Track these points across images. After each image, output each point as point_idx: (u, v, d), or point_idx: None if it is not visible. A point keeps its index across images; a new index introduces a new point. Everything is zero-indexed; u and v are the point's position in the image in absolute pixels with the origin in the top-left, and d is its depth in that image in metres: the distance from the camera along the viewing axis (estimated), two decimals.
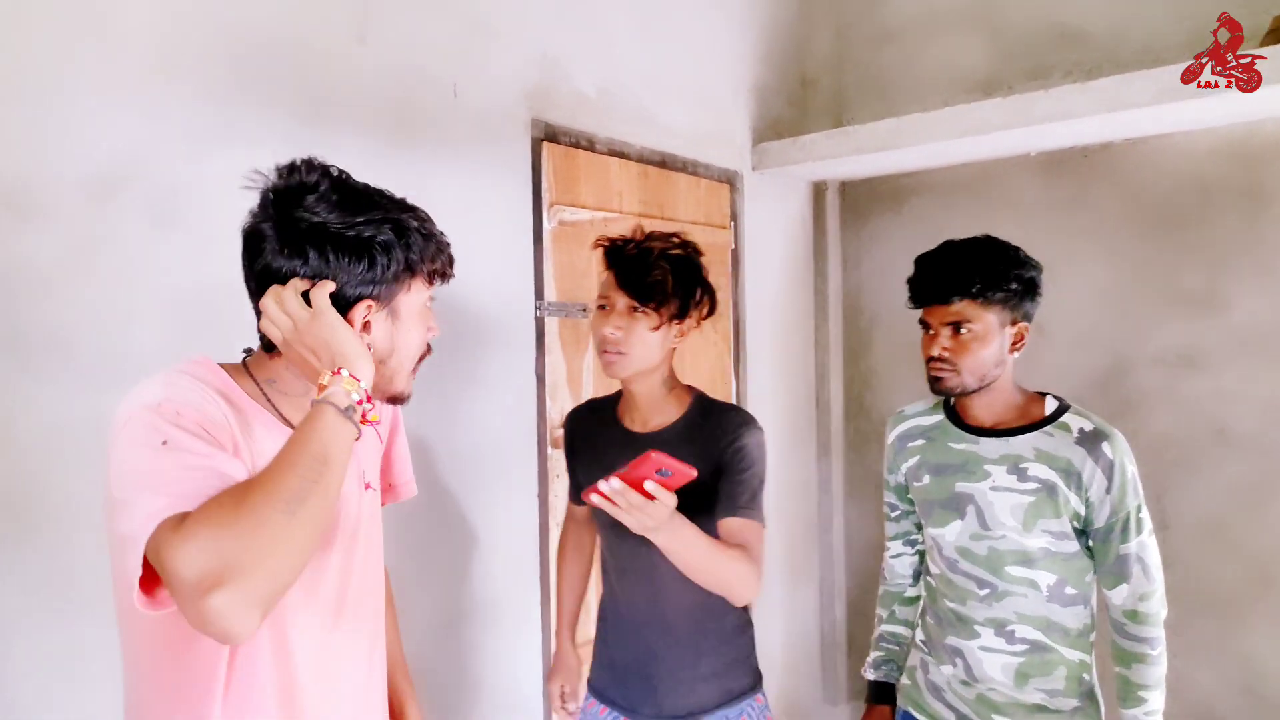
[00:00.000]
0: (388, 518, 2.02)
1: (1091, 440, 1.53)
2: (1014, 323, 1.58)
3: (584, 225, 2.48)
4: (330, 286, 1.02)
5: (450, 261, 1.16)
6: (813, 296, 3.49)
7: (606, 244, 1.62)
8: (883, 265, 3.39)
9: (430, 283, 1.14)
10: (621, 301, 1.55)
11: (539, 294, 2.34)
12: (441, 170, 2.09)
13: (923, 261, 1.63)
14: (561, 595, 1.95)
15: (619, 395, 1.72)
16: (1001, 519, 1.57)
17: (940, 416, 1.72)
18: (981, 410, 1.64)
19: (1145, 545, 1.53)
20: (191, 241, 1.66)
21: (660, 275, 1.54)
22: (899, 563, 1.87)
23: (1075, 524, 1.54)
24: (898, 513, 1.85)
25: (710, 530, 1.44)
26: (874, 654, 1.86)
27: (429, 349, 1.20)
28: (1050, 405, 1.61)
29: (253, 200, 1.07)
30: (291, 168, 1.05)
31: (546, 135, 2.35)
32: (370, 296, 1.06)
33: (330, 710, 1.11)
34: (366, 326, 1.07)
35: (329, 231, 1.02)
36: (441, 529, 2.13)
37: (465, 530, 2.18)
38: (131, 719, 1.04)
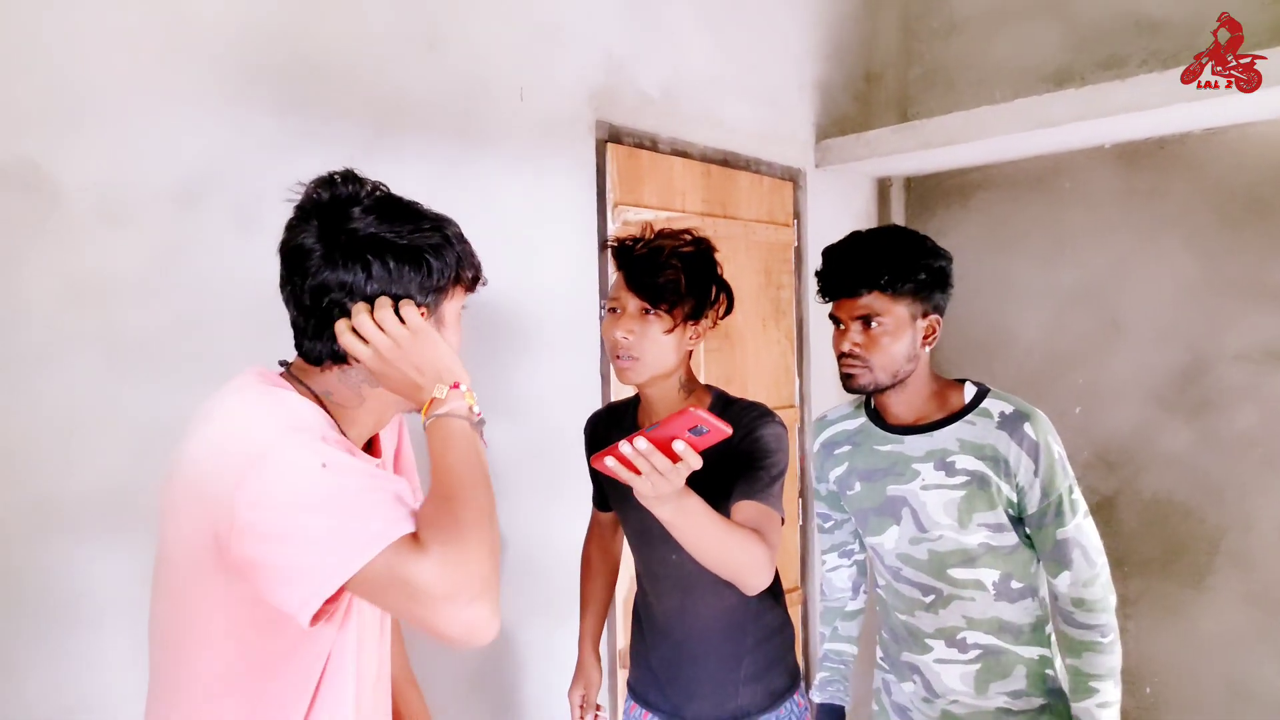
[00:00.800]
0: None
1: (1013, 423, 1.46)
2: (925, 315, 1.51)
3: (647, 225, 2.49)
4: (415, 308, 1.03)
5: (481, 268, 1.15)
6: None
7: (615, 244, 1.55)
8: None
9: (468, 290, 1.13)
10: (633, 304, 1.48)
11: (604, 293, 2.36)
12: (508, 173, 2.13)
13: (829, 254, 1.56)
14: (585, 605, 1.89)
15: (639, 399, 1.65)
16: (936, 518, 1.51)
17: (863, 419, 1.65)
18: (901, 407, 1.58)
19: (1082, 528, 1.45)
20: (272, 246, 1.71)
21: (672, 275, 1.46)
22: (836, 576, 1.80)
23: (1010, 512, 1.48)
24: (831, 523, 1.77)
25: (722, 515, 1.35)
26: (819, 674, 1.77)
27: None
28: (969, 392, 1.54)
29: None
30: (331, 180, 1.05)
31: (610, 136, 2.37)
32: (423, 304, 1.05)
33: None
34: None
35: (384, 240, 1.01)
36: (503, 530, 2.16)
37: (530, 529, 2.22)
38: None
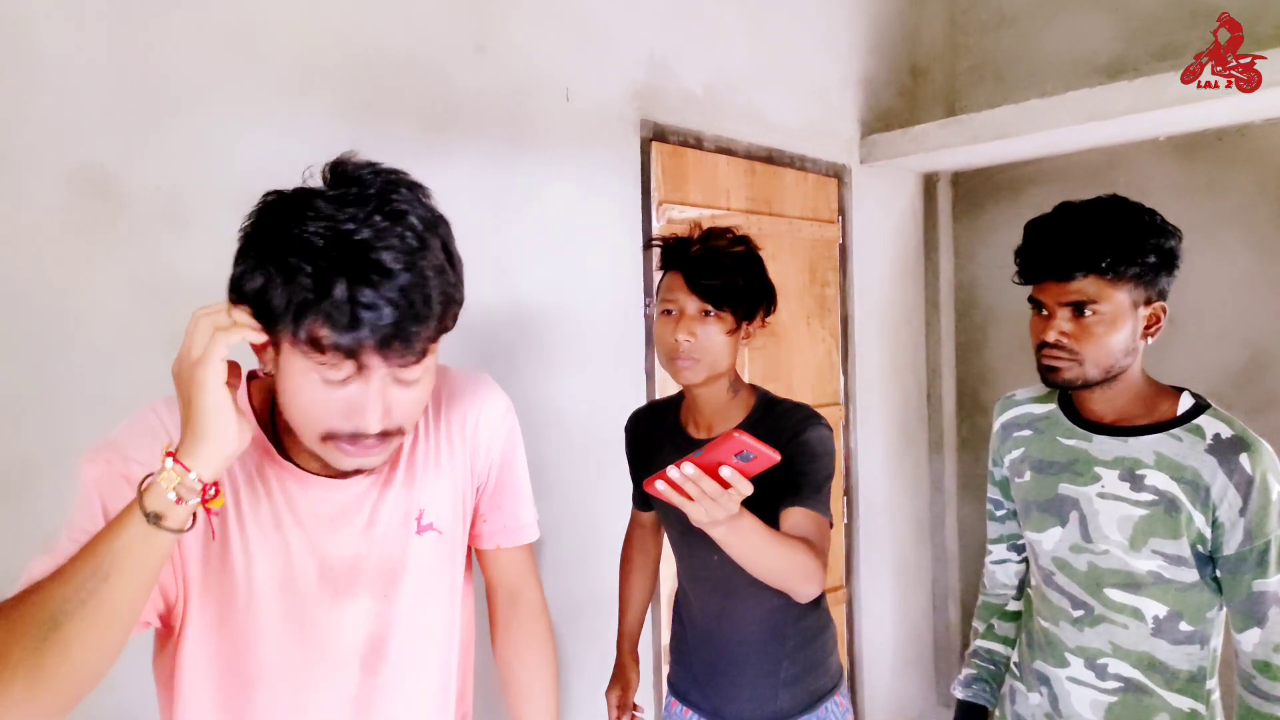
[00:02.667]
0: None
1: (1228, 449, 1.24)
2: (1149, 302, 1.29)
3: (692, 223, 2.50)
4: (252, 336, 0.84)
5: (401, 322, 0.81)
6: (923, 291, 3.41)
7: (662, 243, 1.52)
8: (999, 257, 3.28)
9: (315, 350, 0.82)
10: (692, 305, 1.45)
11: (649, 292, 2.38)
12: (554, 172, 2.15)
13: (1035, 228, 1.35)
14: (623, 606, 1.87)
15: (681, 397, 1.64)
16: (1106, 531, 1.32)
17: (1053, 406, 1.46)
18: (1101, 404, 1.37)
19: None
20: None
21: (732, 276, 1.45)
22: (1001, 570, 1.61)
23: (1200, 548, 1.26)
24: (1002, 511, 1.58)
25: (771, 522, 1.36)
26: (965, 671, 1.61)
27: (361, 435, 0.88)
28: (1185, 403, 1.32)
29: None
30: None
31: (655, 135, 2.38)
32: (273, 331, 0.85)
33: None
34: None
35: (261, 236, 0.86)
36: (552, 525, 2.19)
37: (576, 527, 2.24)
38: None
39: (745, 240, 1.51)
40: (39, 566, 0.81)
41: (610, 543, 2.31)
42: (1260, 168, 2.64)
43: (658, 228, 2.39)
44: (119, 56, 1.51)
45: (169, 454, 0.80)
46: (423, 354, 0.86)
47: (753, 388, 1.59)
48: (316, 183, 0.89)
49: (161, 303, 1.55)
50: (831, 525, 1.43)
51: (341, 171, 0.89)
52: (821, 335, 2.94)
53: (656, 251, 1.56)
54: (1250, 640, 1.25)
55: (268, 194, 0.89)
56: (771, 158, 2.75)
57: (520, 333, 2.10)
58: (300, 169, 1.79)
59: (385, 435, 0.88)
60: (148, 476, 0.80)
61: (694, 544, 1.53)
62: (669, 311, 1.48)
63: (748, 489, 1.10)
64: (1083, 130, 2.64)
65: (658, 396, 2.40)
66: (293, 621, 0.97)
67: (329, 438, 0.87)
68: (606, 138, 2.28)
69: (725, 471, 1.08)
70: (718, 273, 1.44)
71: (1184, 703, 1.31)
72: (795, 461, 1.43)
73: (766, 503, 1.38)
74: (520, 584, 1.26)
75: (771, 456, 1.08)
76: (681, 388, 1.58)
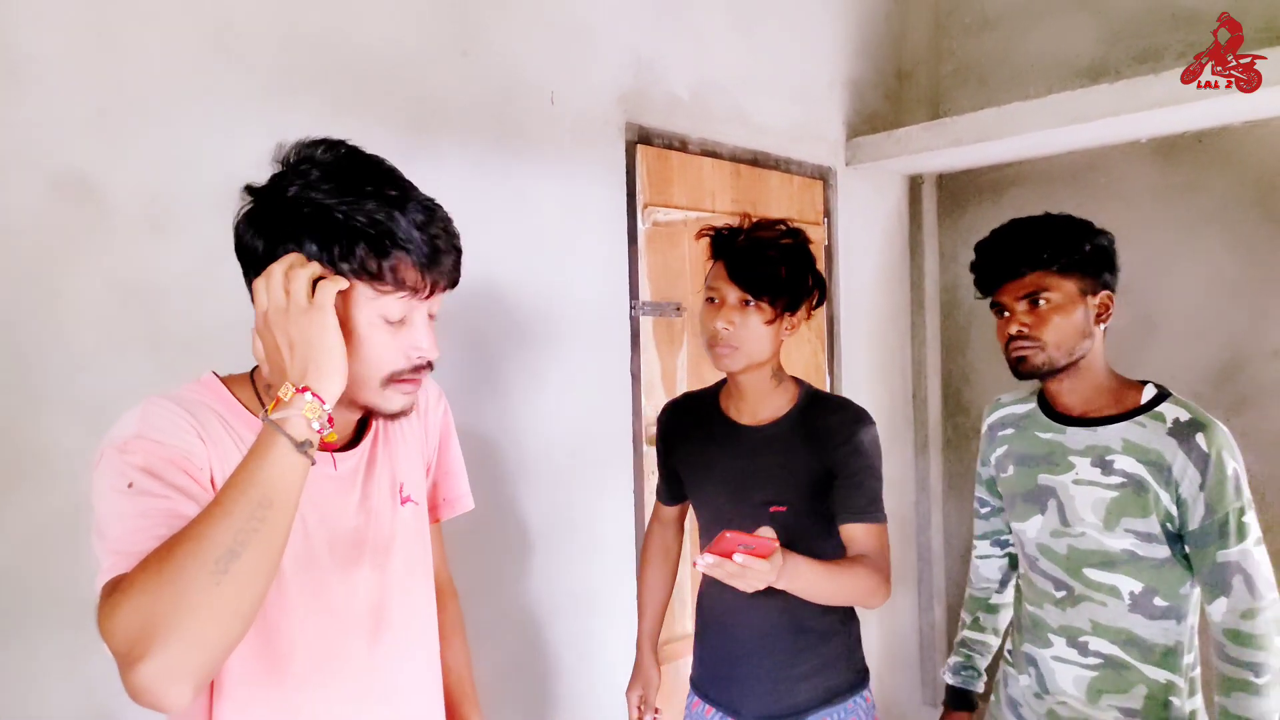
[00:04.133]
0: (483, 517, 2.10)
1: (1185, 431, 1.36)
2: (1095, 291, 1.45)
3: (677, 225, 2.51)
4: (342, 284, 0.91)
5: (437, 251, 0.97)
6: (908, 291, 3.43)
7: (712, 233, 1.57)
8: None
9: (416, 293, 0.97)
10: (733, 295, 1.49)
11: (634, 294, 2.38)
12: (540, 175, 2.15)
13: (984, 245, 1.53)
14: (643, 603, 1.87)
15: (719, 387, 1.69)
16: (1082, 514, 1.44)
17: (1032, 405, 1.59)
18: (1070, 396, 1.50)
19: (1250, 555, 1.33)
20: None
21: (774, 267, 1.48)
22: (985, 565, 1.73)
23: (1169, 526, 1.38)
24: (988, 509, 1.72)
25: (827, 532, 1.48)
26: (953, 659, 1.74)
27: (421, 367, 1.02)
28: (1148, 393, 1.45)
29: None
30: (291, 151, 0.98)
31: (640, 138, 2.39)
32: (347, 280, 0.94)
33: None
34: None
35: (315, 209, 0.92)
36: (538, 526, 2.19)
37: (561, 527, 2.24)
38: None
39: (796, 234, 1.55)
40: (105, 563, 0.84)
41: (594, 543, 2.32)
42: (1239, 169, 2.66)
43: (642, 230, 2.40)
44: (100, 60, 1.50)
45: (302, 389, 0.86)
46: (455, 282, 1.02)
47: (794, 378, 1.63)
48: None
49: (141, 306, 1.55)
50: (887, 526, 1.51)
51: (352, 151, 0.99)
52: (807, 336, 2.96)
53: (703, 242, 1.59)
54: (1219, 610, 1.35)
55: (294, 168, 0.97)
56: (757, 160, 2.76)
57: (505, 335, 2.10)
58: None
59: (430, 367, 1.03)
60: (277, 405, 0.86)
61: (725, 527, 1.56)
62: (712, 300, 1.53)
63: (764, 566, 1.18)
64: (1064, 132, 2.67)
65: (643, 399, 2.41)
66: (313, 596, 1.01)
67: (391, 379, 0.99)
68: (591, 141, 2.28)
69: (738, 558, 1.17)
70: (758, 264, 1.48)
71: (1160, 675, 1.42)
72: (850, 469, 1.48)
73: (823, 508, 1.49)
74: (441, 563, 1.35)
75: (769, 546, 1.19)
76: (724, 375, 1.62)
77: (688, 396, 1.80)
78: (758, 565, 1.18)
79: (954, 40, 3.33)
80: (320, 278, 0.91)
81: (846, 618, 1.64)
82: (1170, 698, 1.42)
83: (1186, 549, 1.39)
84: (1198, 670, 1.45)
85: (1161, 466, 1.37)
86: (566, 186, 2.22)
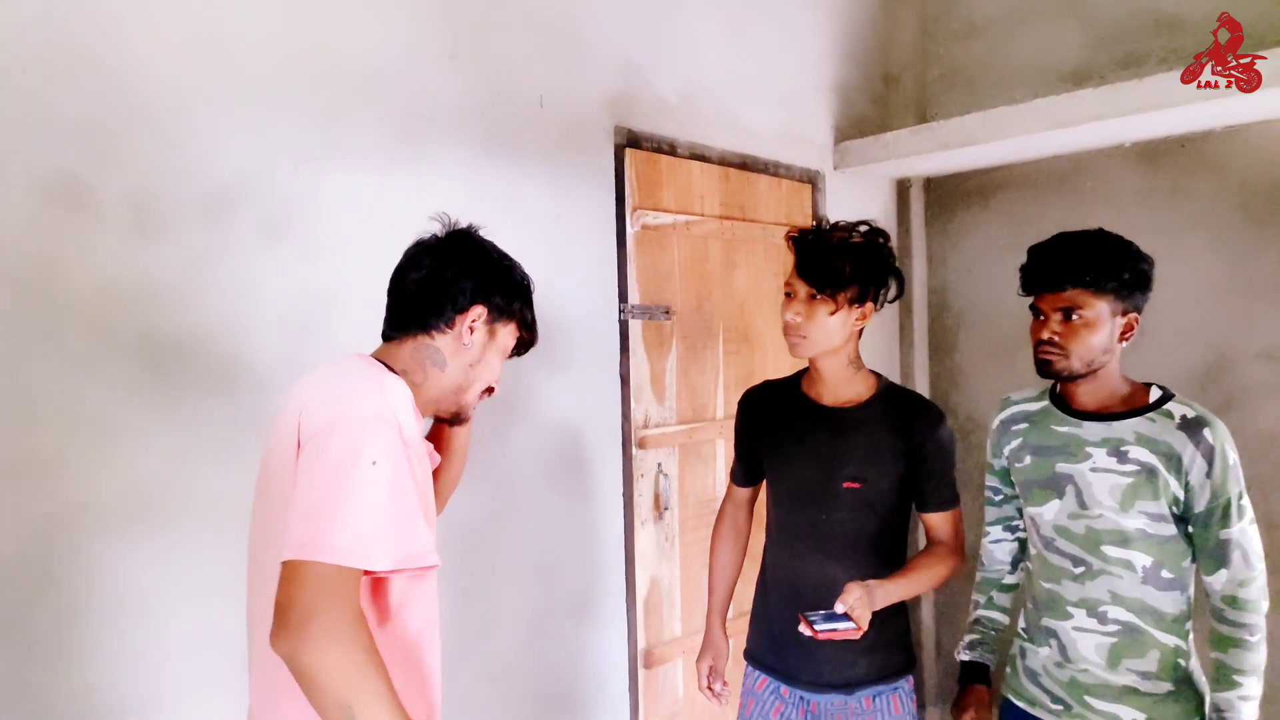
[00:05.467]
0: (473, 521, 2.10)
1: (1194, 426, 1.55)
2: (1124, 313, 1.61)
3: (666, 229, 2.52)
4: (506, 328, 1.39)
5: (533, 321, 1.42)
6: None
7: (795, 234, 1.73)
8: (970, 262, 3.33)
9: (518, 329, 1.38)
10: (802, 289, 1.67)
11: (623, 297, 2.39)
12: (529, 179, 2.16)
13: (1036, 251, 1.67)
14: (714, 579, 1.99)
15: (799, 375, 1.85)
16: (1100, 498, 1.60)
17: (1045, 402, 1.75)
18: (1086, 396, 1.67)
19: (1246, 532, 1.54)
20: (301, 253, 1.76)
21: (838, 264, 1.64)
22: (998, 549, 1.88)
23: (1174, 509, 1.56)
24: (1000, 497, 1.87)
25: (898, 505, 1.73)
26: (968, 636, 1.87)
27: (490, 390, 1.39)
28: (1155, 394, 1.64)
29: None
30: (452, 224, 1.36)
31: (629, 141, 2.40)
32: (487, 308, 1.32)
33: None
34: (472, 329, 1.30)
35: (482, 257, 1.36)
36: (528, 528, 2.20)
37: (551, 529, 2.25)
38: None
39: (873, 233, 1.72)
40: (343, 539, 1.01)
41: (585, 544, 2.32)
42: (1222, 173, 2.69)
43: (631, 233, 2.41)
44: (91, 64, 1.51)
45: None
46: None
47: (873, 373, 1.80)
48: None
49: (130, 310, 1.55)
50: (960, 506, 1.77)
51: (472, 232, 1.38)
52: None
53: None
54: (1219, 580, 1.55)
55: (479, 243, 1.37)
56: (746, 164, 2.77)
57: None
58: (273, 176, 1.81)
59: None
60: None
61: (805, 501, 1.75)
62: (788, 294, 1.71)
63: (857, 623, 1.51)
64: (1049, 137, 2.69)
65: (633, 402, 2.42)
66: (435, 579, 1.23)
67: (486, 391, 1.37)
68: (581, 144, 2.29)
69: (824, 632, 1.52)
70: (823, 261, 1.64)
71: (1170, 640, 1.60)
72: (932, 462, 1.71)
73: (896, 489, 1.72)
74: None
75: (850, 627, 1.52)
76: (804, 363, 1.80)
77: (767, 383, 1.94)
78: (849, 629, 1.50)
79: (941, 45, 3.36)
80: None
81: (901, 605, 1.76)
82: (1178, 660, 1.61)
83: (1190, 529, 1.58)
84: (1193, 635, 1.64)
85: (1172, 456, 1.54)
86: (556, 190, 2.23)
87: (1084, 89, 2.60)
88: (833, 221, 1.74)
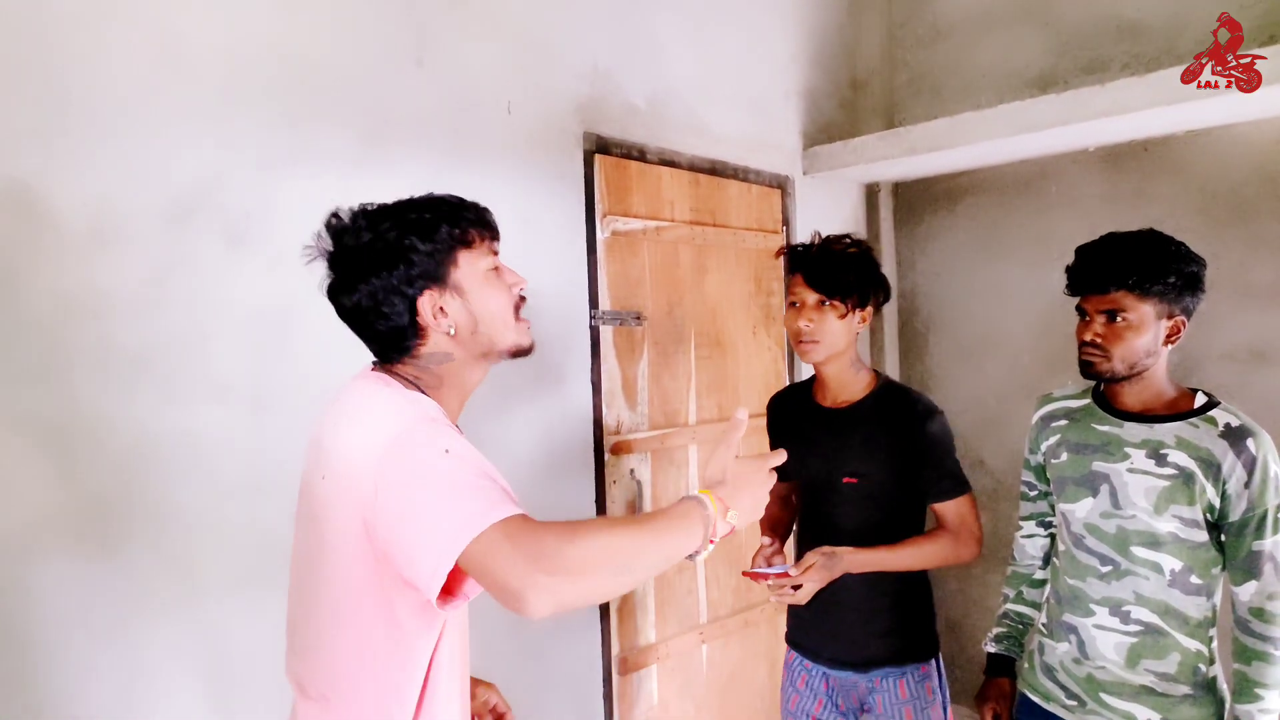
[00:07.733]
0: None
1: (1236, 435, 1.53)
2: (1170, 315, 1.58)
3: (636, 235, 2.51)
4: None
5: (480, 219, 1.20)
6: None
7: (788, 250, 1.88)
8: (938, 266, 3.36)
9: (473, 246, 1.18)
10: (811, 297, 1.78)
11: (594, 303, 2.38)
12: (497, 186, 2.15)
13: (1083, 251, 1.66)
14: (767, 525, 2.02)
15: (813, 379, 1.97)
16: (1134, 499, 1.60)
17: (1087, 400, 1.75)
18: (1130, 397, 1.66)
19: (1279, 545, 1.53)
20: (263, 261, 1.74)
21: (843, 272, 1.77)
22: (1030, 544, 1.89)
23: (1209, 515, 1.54)
24: (1035, 493, 1.87)
25: (904, 497, 1.80)
26: (996, 629, 1.88)
27: (522, 298, 1.26)
28: (1200, 400, 1.62)
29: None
30: (327, 224, 1.19)
31: (598, 147, 2.39)
32: (427, 286, 1.14)
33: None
34: (442, 311, 1.16)
35: (378, 244, 1.14)
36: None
37: None
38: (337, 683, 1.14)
39: (860, 244, 1.85)
40: (472, 506, 0.99)
41: None
42: (1183, 177, 2.74)
43: (602, 239, 2.40)
44: (44, 70, 1.47)
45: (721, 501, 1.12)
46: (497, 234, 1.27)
47: (873, 370, 1.91)
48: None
49: (88, 319, 1.52)
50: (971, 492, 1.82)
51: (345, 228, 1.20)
52: (767, 344, 2.98)
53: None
54: (1248, 591, 1.54)
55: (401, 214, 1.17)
56: (715, 169, 2.78)
57: None
58: (234, 183, 1.78)
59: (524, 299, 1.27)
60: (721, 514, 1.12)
61: (815, 496, 1.90)
62: (794, 304, 1.82)
63: (801, 591, 1.69)
64: (1015, 142, 2.72)
65: (604, 408, 2.41)
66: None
67: (519, 301, 1.24)
68: (549, 151, 2.28)
69: (769, 583, 1.70)
70: (831, 269, 1.77)
71: (1192, 644, 1.59)
72: (925, 454, 1.78)
73: (897, 481, 1.79)
74: None
75: (784, 570, 1.69)
76: (814, 367, 1.90)
77: (789, 388, 2.11)
78: (787, 586, 1.67)
79: (907, 51, 3.38)
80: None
81: (921, 591, 1.89)
82: (1199, 664, 1.59)
83: (1222, 537, 1.56)
84: (1216, 641, 1.62)
85: (1211, 463, 1.53)
86: (525, 196, 2.22)
87: (1048, 94, 2.63)
88: (824, 235, 1.85)
